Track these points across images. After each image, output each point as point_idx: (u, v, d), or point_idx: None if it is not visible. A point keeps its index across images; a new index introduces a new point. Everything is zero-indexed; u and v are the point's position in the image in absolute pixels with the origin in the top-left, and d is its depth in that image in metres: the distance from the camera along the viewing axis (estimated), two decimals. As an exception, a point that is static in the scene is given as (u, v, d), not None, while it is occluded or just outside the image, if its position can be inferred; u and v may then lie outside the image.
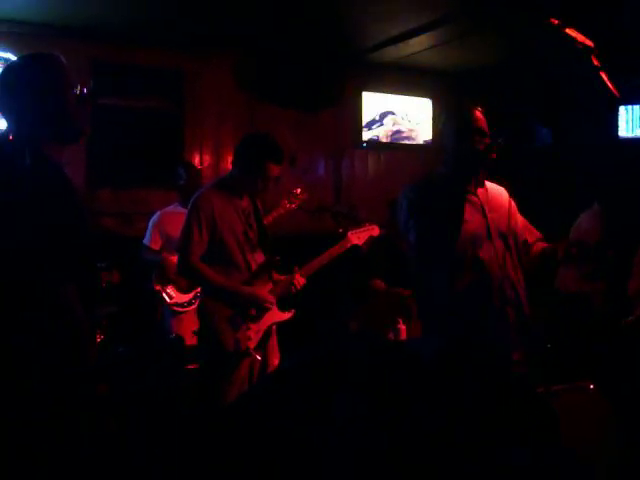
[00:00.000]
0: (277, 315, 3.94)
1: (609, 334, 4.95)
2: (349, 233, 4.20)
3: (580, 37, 3.63)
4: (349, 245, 4.18)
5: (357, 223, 4.37)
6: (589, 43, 3.67)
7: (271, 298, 3.86)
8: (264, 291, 3.86)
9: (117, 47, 6.09)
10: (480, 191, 3.31)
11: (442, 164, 3.36)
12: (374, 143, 7.28)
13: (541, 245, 3.43)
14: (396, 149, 7.44)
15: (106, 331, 4.84)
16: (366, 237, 4.26)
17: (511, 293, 3.23)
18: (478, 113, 3.25)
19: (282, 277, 4.01)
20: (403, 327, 4.95)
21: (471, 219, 3.19)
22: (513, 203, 3.42)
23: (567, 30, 3.59)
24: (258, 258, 3.91)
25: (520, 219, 3.47)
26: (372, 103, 7.24)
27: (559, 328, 5.42)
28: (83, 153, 5.97)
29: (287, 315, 3.97)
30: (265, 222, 4.38)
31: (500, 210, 3.31)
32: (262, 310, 3.85)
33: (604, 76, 3.86)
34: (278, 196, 5.25)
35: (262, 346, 3.89)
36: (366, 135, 7.25)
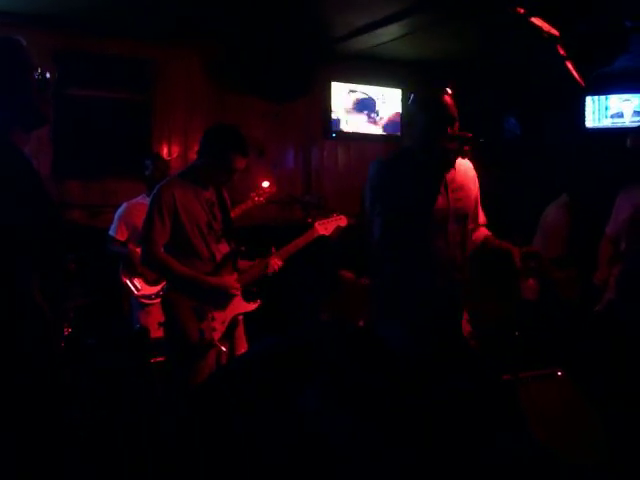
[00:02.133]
0: (242, 306, 3.92)
1: (578, 322, 5.01)
2: (316, 223, 4.20)
3: (546, 26, 3.65)
4: (316, 235, 4.17)
5: (325, 213, 4.36)
6: (554, 32, 3.70)
7: (236, 285, 3.84)
8: (228, 278, 3.84)
9: (83, 37, 5.98)
10: (448, 173, 3.28)
11: (411, 140, 3.33)
12: (343, 133, 7.27)
13: (483, 233, 3.45)
14: (365, 139, 7.43)
15: (73, 323, 4.80)
16: (333, 227, 4.26)
17: (459, 275, 3.26)
18: (448, 98, 3.21)
19: (253, 263, 4.00)
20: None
21: (435, 206, 3.19)
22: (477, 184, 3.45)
23: (533, 19, 3.61)
24: (222, 249, 3.88)
25: (478, 205, 3.48)
26: (341, 93, 7.22)
27: (528, 316, 5.47)
28: (49, 144, 5.89)
29: (252, 306, 3.96)
30: (232, 215, 4.37)
31: (464, 191, 3.31)
32: (228, 297, 3.83)
33: (570, 65, 3.89)
34: (247, 188, 5.23)
35: (229, 337, 3.88)
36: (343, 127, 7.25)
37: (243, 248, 3.97)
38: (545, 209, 5.97)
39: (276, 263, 3.97)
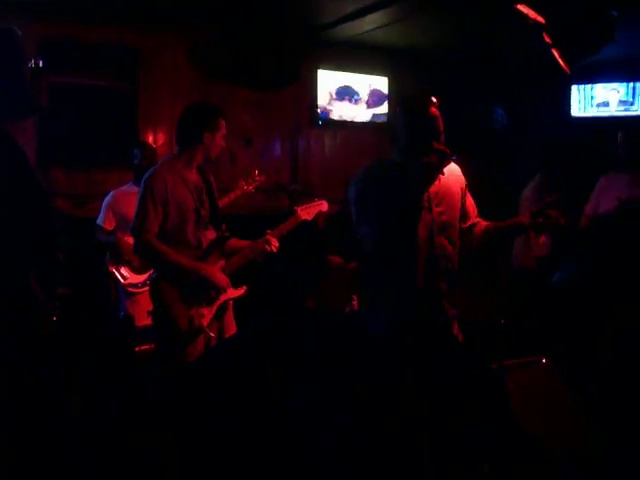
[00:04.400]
0: (230, 292, 3.93)
1: (561, 308, 5.05)
2: (298, 209, 4.21)
3: (532, 13, 3.65)
4: (299, 220, 4.17)
5: (307, 200, 4.38)
6: (540, 20, 3.70)
7: (226, 281, 3.85)
8: (218, 271, 3.86)
9: (68, 24, 5.94)
10: (431, 189, 3.24)
11: (394, 151, 3.28)
12: (330, 121, 7.26)
13: (483, 224, 3.45)
14: (352, 127, 7.42)
15: (59, 313, 4.77)
16: (315, 212, 4.25)
17: (444, 285, 3.26)
18: (434, 110, 3.15)
19: (245, 242, 4.03)
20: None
21: (418, 216, 3.17)
22: (466, 188, 3.43)
23: (518, 6, 3.61)
24: (209, 235, 3.91)
25: (469, 202, 3.46)
26: (327, 81, 7.21)
27: (513, 304, 5.50)
28: (33, 133, 5.85)
29: (240, 292, 3.96)
30: (222, 204, 4.39)
31: (447, 202, 3.28)
32: (218, 292, 3.85)
33: (555, 53, 3.90)
34: (234, 177, 5.22)
35: (218, 321, 3.90)
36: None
37: (228, 234, 3.97)
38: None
39: (274, 244, 3.98)
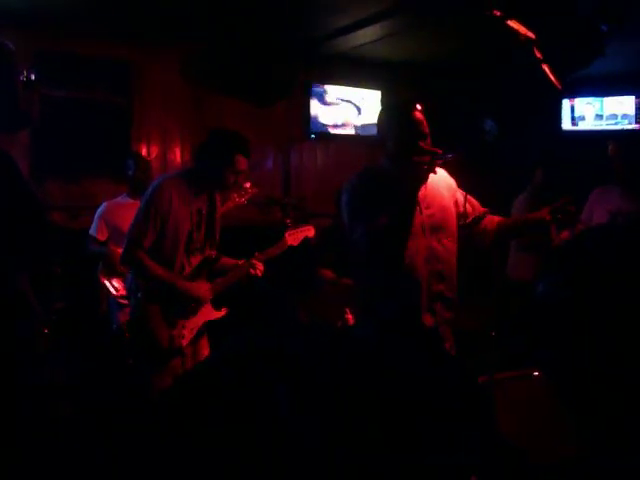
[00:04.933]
0: (211, 313, 3.94)
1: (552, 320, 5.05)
2: (286, 234, 4.26)
3: (522, 29, 3.69)
4: (286, 246, 4.23)
5: (296, 223, 4.51)
6: (531, 35, 3.74)
7: (209, 295, 3.86)
8: (200, 286, 3.85)
9: (63, 37, 5.96)
10: (420, 191, 3.29)
11: (384, 157, 3.35)
12: (323, 135, 7.28)
13: (495, 218, 3.46)
14: (345, 140, 7.45)
15: (53, 326, 4.78)
16: (301, 238, 4.32)
17: (438, 287, 3.28)
18: (418, 115, 3.22)
19: (234, 261, 4.03)
20: (351, 317, 4.97)
21: (409, 217, 3.21)
22: (460, 192, 3.45)
23: (509, 22, 3.65)
24: (194, 261, 3.86)
25: (469, 199, 3.47)
26: (321, 95, 7.24)
27: (505, 316, 5.51)
28: (27, 145, 5.86)
29: (220, 313, 3.97)
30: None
31: (437, 205, 3.32)
32: (199, 304, 3.84)
33: (546, 68, 3.94)
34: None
35: (192, 345, 3.89)
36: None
37: (214, 254, 3.97)
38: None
39: (259, 268, 4.00)
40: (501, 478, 2.62)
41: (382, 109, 3.44)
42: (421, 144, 3.15)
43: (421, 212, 3.24)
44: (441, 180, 3.40)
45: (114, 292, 5.04)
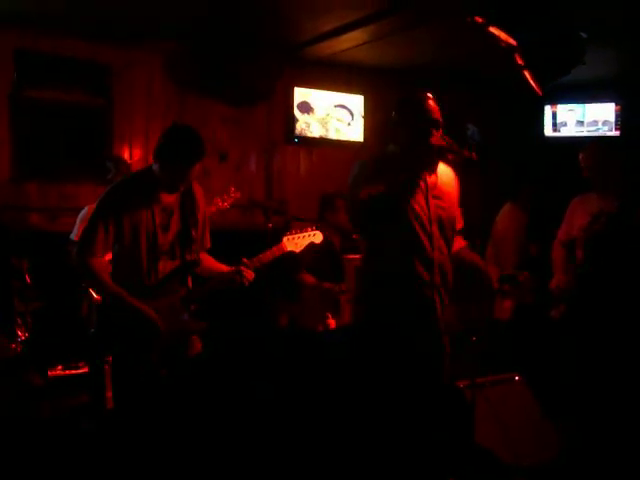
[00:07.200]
0: (192, 325, 3.50)
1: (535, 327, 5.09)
2: (284, 238, 3.69)
3: (503, 36, 3.71)
4: (284, 252, 3.67)
5: (290, 228, 4.00)
6: (512, 42, 3.76)
7: (160, 323, 3.31)
8: (152, 312, 3.32)
9: (43, 38, 5.91)
10: (430, 177, 3.32)
11: (394, 143, 3.37)
12: (305, 139, 7.28)
13: (460, 244, 3.51)
14: (328, 145, 7.45)
15: (31, 328, 4.74)
16: (305, 244, 3.75)
17: (437, 279, 3.30)
18: (432, 103, 3.28)
19: (221, 266, 3.62)
20: (332, 321, 4.98)
21: (415, 203, 3.24)
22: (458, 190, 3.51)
23: (491, 28, 3.67)
24: (166, 266, 3.43)
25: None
26: (304, 98, 7.24)
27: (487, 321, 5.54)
28: (7, 146, 5.82)
29: (200, 326, 3.52)
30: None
31: (446, 200, 3.36)
32: (151, 334, 3.32)
33: (527, 74, 3.96)
34: (208, 192, 5.20)
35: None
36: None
37: (193, 258, 3.49)
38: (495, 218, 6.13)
39: (250, 275, 3.49)
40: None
41: (399, 97, 3.44)
42: (434, 131, 3.20)
43: (427, 196, 3.27)
44: (452, 179, 3.46)
45: (95, 295, 5.00)
